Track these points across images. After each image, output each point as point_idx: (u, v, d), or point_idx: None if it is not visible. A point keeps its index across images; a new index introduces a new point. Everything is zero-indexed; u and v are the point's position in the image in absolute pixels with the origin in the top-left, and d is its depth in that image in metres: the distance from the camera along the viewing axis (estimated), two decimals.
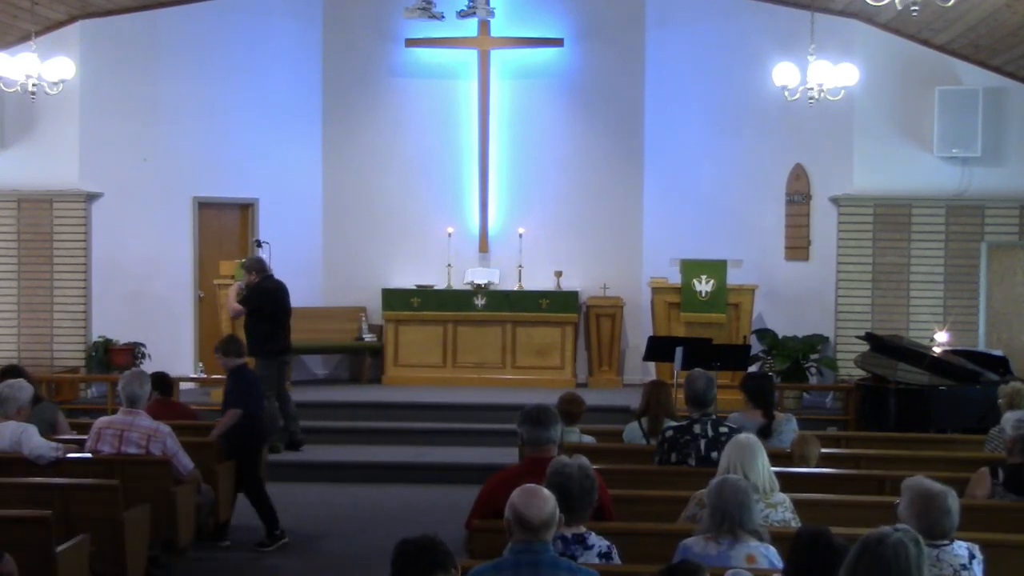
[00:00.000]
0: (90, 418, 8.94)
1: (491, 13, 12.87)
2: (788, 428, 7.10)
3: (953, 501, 4.26)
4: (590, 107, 13.40)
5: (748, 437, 5.32)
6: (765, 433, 6.84)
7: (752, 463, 5.11)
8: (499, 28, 13.28)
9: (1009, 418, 6.99)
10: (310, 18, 13.43)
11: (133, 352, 11.92)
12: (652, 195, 13.30)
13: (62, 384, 11.86)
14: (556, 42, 13.24)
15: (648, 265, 12.95)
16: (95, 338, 12.06)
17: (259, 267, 10.32)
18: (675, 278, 11.91)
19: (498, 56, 13.39)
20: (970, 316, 12.19)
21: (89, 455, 6.70)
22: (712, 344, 9.84)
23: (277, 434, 10.24)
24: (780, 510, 5.17)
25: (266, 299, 10.18)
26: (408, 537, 3.54)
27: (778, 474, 5.41)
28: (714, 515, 4.46)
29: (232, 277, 11.38)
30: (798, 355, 11.98)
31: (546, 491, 4.04)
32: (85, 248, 12.22)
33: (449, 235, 13.14)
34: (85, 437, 6.94)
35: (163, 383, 8.32)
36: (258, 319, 10.14)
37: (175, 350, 12.30)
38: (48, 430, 7.23)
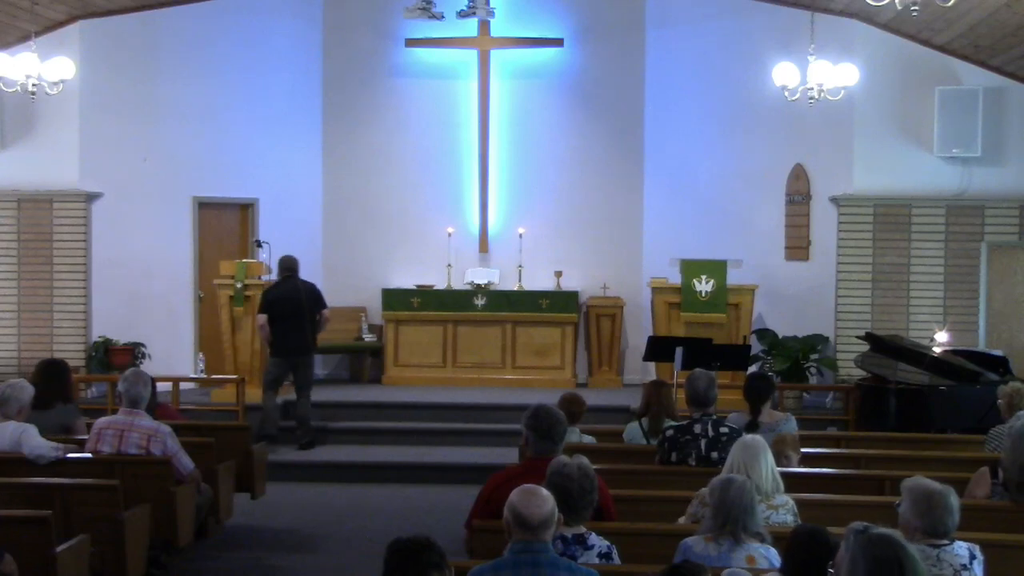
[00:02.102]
0: (90, 418, 8.92)
1: (491, 13, 12.87)
2: (788, 428, 7.12)
3: (954, 499, 4.27)
4: (590, 107, 13.41)
5: (754, 438, 5.34)
6: (750, 429, 6.86)
7: (755, 464, 5.11)
8: (499, 28, 13.28)
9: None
10: (310, 18, 13.43)
11: (133, 352, 11.91)
12: (652, 195, 13.31)
13: None
14: (556, 42, 13.24)
15: (648, 265, 12.95)
16: (95, 338, 12.06)
17: (281, 267, 10.74)
18: (675, 278, 11.90)
19: (498, 56, 13.38)
20: (970, 316, 12.18)
21: (89, 455, 6.69)
22: (712, 344, 9.82)
23: (273, 435, 10.31)
24: (782, 512, 5.16)
25: (264, 304, 10.59)
26: (401, 537, 3.52)
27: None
28: (716, 516, 4.46)
29: (232, 277, 11.39)
30: (798, 355, 11.98)
31: (544, 491, 4.04)
32: (85, 248, 12.21)
33: (449, 235, 13.14)
34: (85, 437, 6.94)
35: None
36: (270, 320, 10.51)
37: (175, 350, 12.30)
38: (59, 432, 7.26)
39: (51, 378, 7.46)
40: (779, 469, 6.17)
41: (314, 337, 10.71)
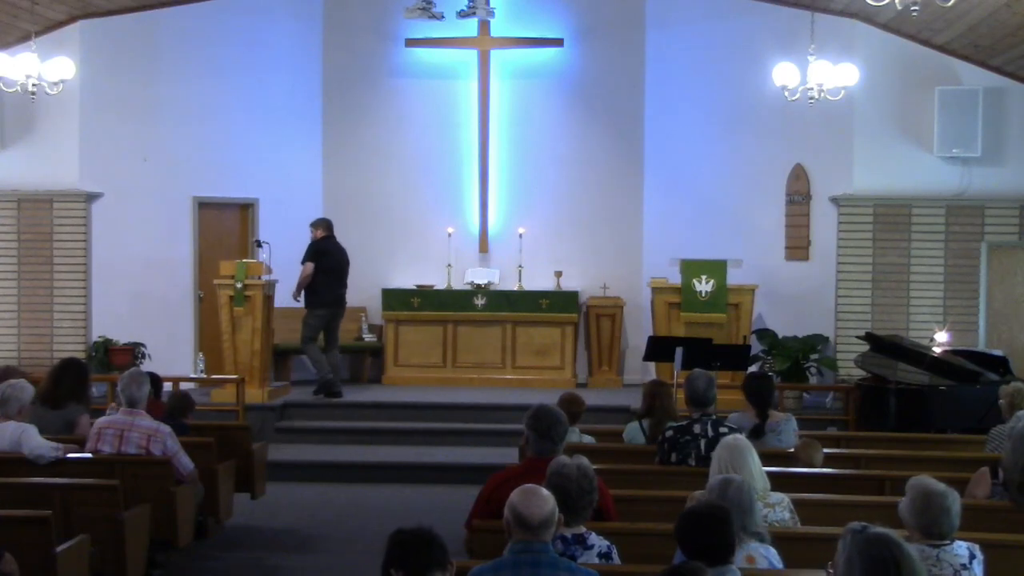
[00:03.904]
0: (92, 418, 8.92)
1: (491, 13, 12.87)
2: (788, 428, 7.12)
3: (953, 501, 4.26)
4: (590, 107, 13.40)
5: (736, 438, 5.33)
6: (757, 433, 6.86)
7: (743, 463, 5.09)
8: (499, 28, 13.28)
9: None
10: (310, 18, 13.43)
11: (133, 352, 11.90)
12: (652, 195, 13.30)
13: None
14: (556, 42, 13.23)
15: (648, 265, 12.94)
16: (95, 338, 12.05)
17: (323, 226, 11.77)
18: (675, 278, 11.90)
19: (498, 56, 13.38)
20: (970, 316, 12.18)
21: (89, 455, 6.69)
22: (712, 344, 9.83)
23: (331, 378, 11.54)
24: (778, 510, 5.16)
25: (318, 255, 11.50)
26: (404, 528, 3.50)
27: (779, 474, 5.41)
28: None
29: (232, 277, 11.40)
30: (798, 355, 11.97)
31: (545, 491, 4.03)
32: (85, 248, 12.21)
33: (449, 235, 13.14)
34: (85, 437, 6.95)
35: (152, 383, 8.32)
36: (315, 272, 11.46)
37: (175, 350, 12.29)
38: (63, 428, 7.25)
39: (67, 376, 7.43)
40: (793, 470, 6.21)
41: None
